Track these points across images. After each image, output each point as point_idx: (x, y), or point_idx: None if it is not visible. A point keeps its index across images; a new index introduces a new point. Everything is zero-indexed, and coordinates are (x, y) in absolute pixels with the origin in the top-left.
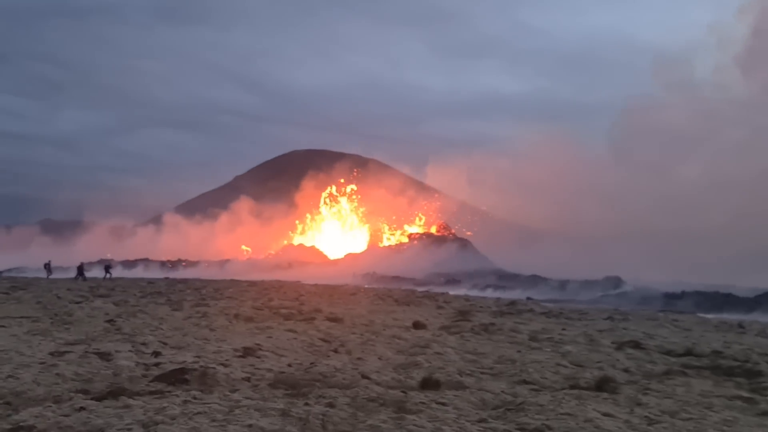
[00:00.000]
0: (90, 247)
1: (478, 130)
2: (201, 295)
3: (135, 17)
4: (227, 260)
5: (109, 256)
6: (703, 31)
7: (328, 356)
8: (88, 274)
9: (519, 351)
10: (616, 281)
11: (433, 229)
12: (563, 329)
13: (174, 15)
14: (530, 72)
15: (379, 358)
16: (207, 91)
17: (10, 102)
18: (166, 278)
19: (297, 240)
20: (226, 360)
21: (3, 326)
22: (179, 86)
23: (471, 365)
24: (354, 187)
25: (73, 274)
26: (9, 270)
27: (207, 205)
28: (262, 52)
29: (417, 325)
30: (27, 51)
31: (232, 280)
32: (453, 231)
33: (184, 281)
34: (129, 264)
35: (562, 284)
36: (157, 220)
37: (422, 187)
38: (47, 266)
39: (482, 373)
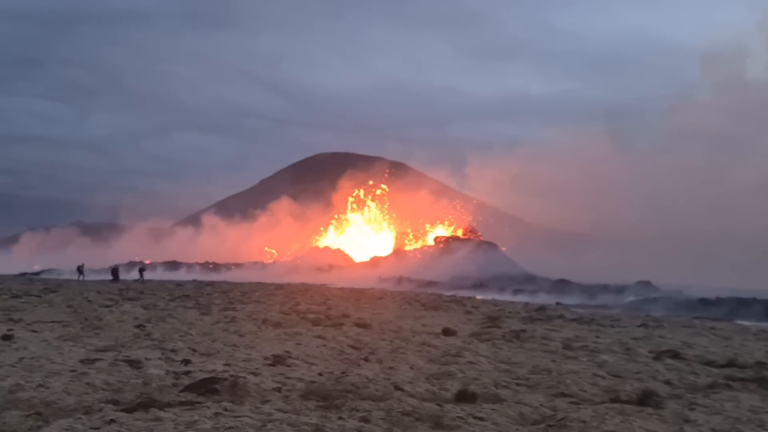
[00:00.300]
0: (125, 249)
1: (507, 132)
2: (229, 299)
3: (165, 22)
4: (267, 263)
5: (137, 258)
6: (735, 30)
7: (359, 365)
8: (125, 276)
9: (554, 360)
10: (648, 286)
11: (460, 233)
12: (597, 337)
13: (202, 20)
14: (559, 74)
15: (411, 368)
16: (234, 94)
17: (44, 106)
18: (194, 281)
19: (323, 243)
20: (256, 368)
21: (35, 331)
22: (207, 90)
23: (506, 376)
24: (381, 189)
25: (106, 276)
26: (46, 271)
27: (235, 207)
28: (288, 55)
29: (447, 332)
30: (59, 56)
31: (259, 283)
32: (480, 234)
33: (212, 284)
34: (168, 266)
35: (592, 289)
36: (190, 221)
37: (449, 190)
38: (80, 269)
39: (518, 384)
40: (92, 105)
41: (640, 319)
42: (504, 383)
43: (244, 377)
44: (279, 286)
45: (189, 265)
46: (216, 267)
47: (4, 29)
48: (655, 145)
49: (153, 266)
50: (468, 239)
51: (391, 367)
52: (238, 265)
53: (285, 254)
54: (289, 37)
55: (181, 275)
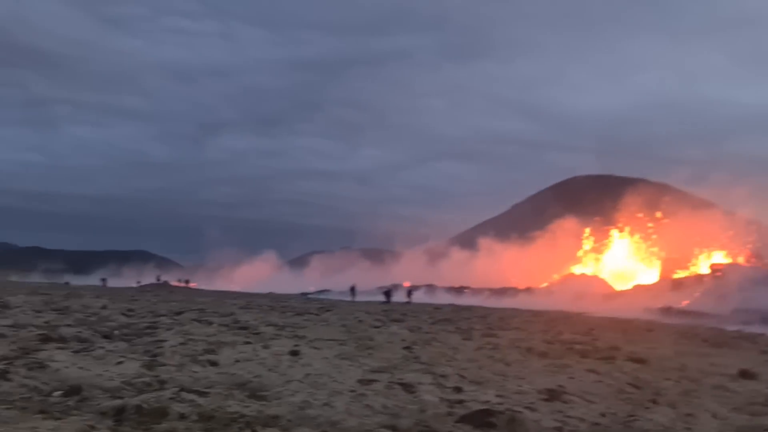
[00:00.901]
0: (398, 272)
1: None
2: (487, 324)
3: (423, 58)
4: (552, 290)
5: (397, 281)
6: None
7: (647, 408)
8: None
9: None
10: None
11: (741, 260)
12: None
13: (459, 52)
14: None
15: (714, 416)
16: (487, 122)
17: (320, 144)
18: (451, 305)
19: (581, 269)
20: (531, 403)
21: (316, 348)
22: (462, 120)
23: None
24: (645, 213)
25: (374, 297)
26: (321, 291)
27: (489, 232)
28: (543, 79)
29: (745, 375)
30: (334, 98)
31: (515, 309)
32: (767, 262)
33: (469, 308)
34: (454, 290)
35: None
36: (454, 244)
37: (726, 212)
38: (352, 289)
39: None
40: (360, 140)
41: None
42: None
43: (521, 412)
44: (536, 313)
45: (475, 290)
46: (501, 292)
47: (290, 78)
48: None
49: (433, 289)
50: (752, 267)
51: (688, 414)
52: (524, 290)
53: (546, 280)
54: (546, 61)
55: (465, 299)
